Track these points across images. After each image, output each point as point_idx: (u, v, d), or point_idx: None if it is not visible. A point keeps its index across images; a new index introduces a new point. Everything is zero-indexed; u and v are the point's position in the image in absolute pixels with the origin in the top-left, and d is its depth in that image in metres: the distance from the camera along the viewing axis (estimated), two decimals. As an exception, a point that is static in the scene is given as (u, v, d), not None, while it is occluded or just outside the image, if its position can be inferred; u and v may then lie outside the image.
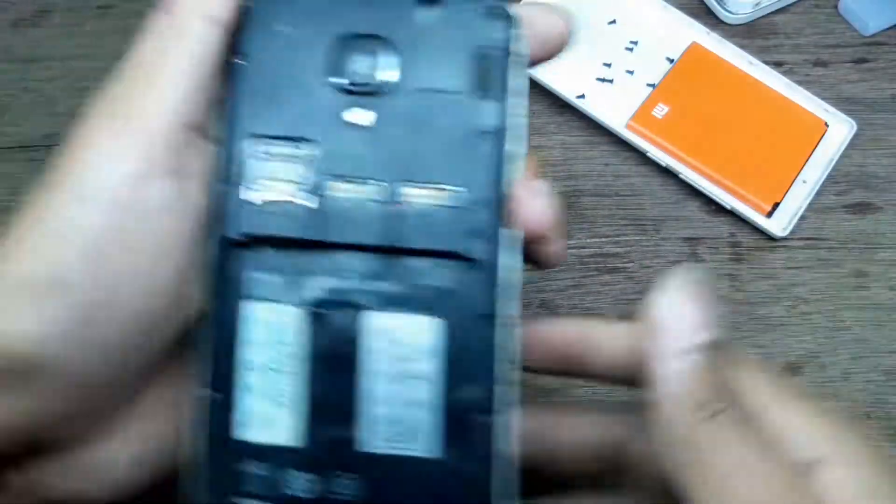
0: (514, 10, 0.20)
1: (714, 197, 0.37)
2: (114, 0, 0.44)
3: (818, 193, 0.37)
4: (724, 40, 0.40)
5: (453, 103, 0.20)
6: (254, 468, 0.19)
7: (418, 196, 0.20)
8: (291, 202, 0.20)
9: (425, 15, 0.20)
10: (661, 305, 0.20)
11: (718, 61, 0.39)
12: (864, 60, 0.42)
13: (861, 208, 0.38)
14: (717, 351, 0.19)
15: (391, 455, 0.19)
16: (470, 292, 0.19)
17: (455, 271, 0.20)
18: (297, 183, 0.20)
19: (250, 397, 0.19)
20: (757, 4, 0.41)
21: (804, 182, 0.37)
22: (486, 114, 0.20)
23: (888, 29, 0.42)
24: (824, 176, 0.38)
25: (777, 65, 0.41)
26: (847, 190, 0.38)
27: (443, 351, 0.19)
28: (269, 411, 0.19)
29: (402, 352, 0.20)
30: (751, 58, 0.40)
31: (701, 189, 0.37)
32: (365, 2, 0.20)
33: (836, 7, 0.43)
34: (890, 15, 0.41)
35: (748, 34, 0.42)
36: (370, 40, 0.20)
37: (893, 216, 0.37)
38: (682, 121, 0.38)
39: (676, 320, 0.19)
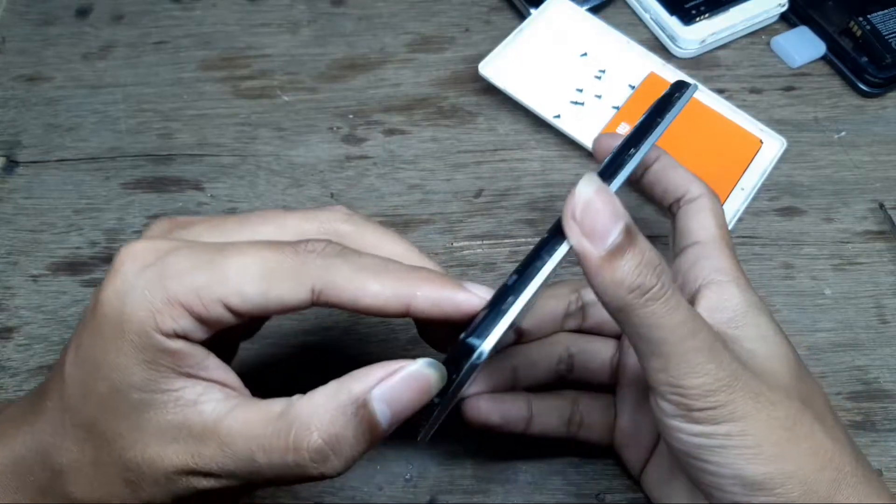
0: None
1: (666, 201, 0.41)
2: (167, 37, 0.48)
3: (753, 199, 0.41)
4: (676, 70, 0.44)
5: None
6: None
7: None
8: None
9: None
10: (577, 215, 0.22)
11: (671, 88, 0.44)
12: (791, 88, 0.46)
13: (789, 212, 0.42)
14: (630, 233, 0.22)
15: None
16: None
17: None
18: None
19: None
20: (703, 42, 0.46)
21: (742, 189, 0.41)
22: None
23: (811, 62, 0.47)
24: (759, 184, 0.41)
25: (720, 91, 0.45)
26: (777, 196, 0.42)
27: None
28: None
29: None
30: (698, 86, 0.43)
31: (655, 195, 0.42)
32: None
33: (768, 44, 0.47)
34: (813, 51, 0.46)
35: (696, 66, 0.46)
36: None
37: (815, 218, 0.41)
38: (640, 138, 0.42)
39: (591, 226, 0.22)
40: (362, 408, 0.21)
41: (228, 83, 0.46)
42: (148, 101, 0.46)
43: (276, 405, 0.21)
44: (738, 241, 0.41)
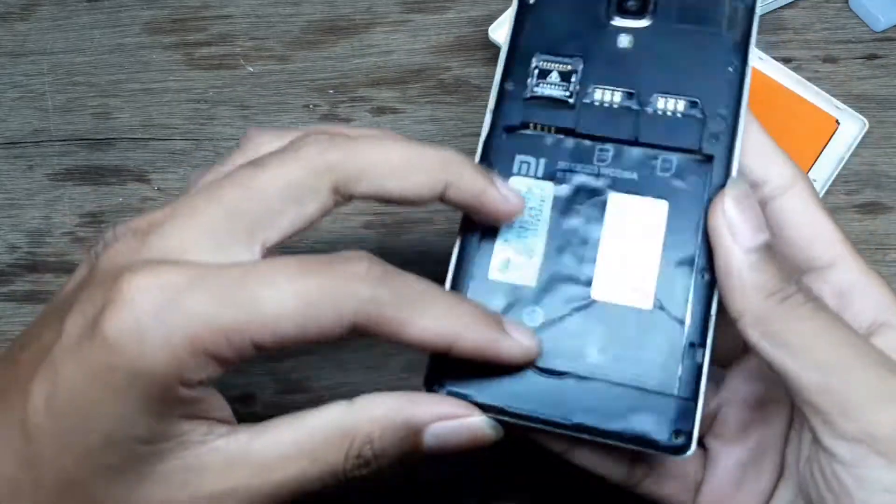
0: None
1: (723, 195, 0.37)
2: (104, -8, 0.45)
3: (828, 192, 0.37)
4: (731, 35, 0.40)
5: (706, 37, 0.26)
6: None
7: (664, 103, 0.26)
8: (557, 99, 0.26)
9: None
10: (727, 210, 0.23)
11: (726, 57, 0.39)
12: (875, 57, 0.41)
13: (872, 208, 0.38)
14: (770, 249, 0.23)
15: (613, 304, 0.25)
16: (696, 183, 0.25)
17: (686, 165, 0.25)
18: (564, 87, 0.26)
19: (505, 247, 0.26)
20: (765, 0, 0.41)
21: (814, 180, 0.37)
22: (734, 52, 0.26)
23: (899, 24, 0.42)
24: (834, 174, 0.37)
25: (786, 61, 0.40)
26: (857, 189, 0.38)
27: (665, 227, 0.25)
28: (518, 259, 0.26)
29: (634, 226, 0.25)
30: (759, 53, 0.39)
31: (709, 187, 0.37)
32: None
33: (846, 2, 0.43)
34: (902, 10, 0.41)
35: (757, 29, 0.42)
36: None
37: (905, 217, 0.37)
38: (690, 117, 0.38)
39: (740, 223, 0.23)
40: (415, 436, 0.23)
41: (180, 50, 0.43)
42: (81, 73, 0.42)
43: (317, 417, 0.22)
44: (811, 245, 0.36)
